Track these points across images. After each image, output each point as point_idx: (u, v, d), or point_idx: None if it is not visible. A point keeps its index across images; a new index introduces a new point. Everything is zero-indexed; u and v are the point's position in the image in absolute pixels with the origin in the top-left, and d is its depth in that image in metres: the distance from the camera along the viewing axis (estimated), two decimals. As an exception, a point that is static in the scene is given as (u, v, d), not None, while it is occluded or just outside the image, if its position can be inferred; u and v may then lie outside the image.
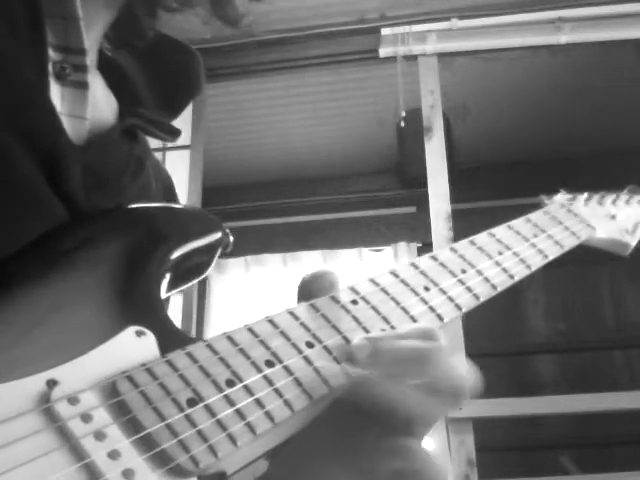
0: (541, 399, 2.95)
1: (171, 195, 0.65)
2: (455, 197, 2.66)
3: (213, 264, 0.54)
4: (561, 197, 0.79)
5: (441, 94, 2.82)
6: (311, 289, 0.50)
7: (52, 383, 0.37)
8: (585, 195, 0.81)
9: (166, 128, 0.57)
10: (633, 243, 0.82)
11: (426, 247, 3.40)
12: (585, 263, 3.61)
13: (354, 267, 3.64)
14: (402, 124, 3.13)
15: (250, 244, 3.74)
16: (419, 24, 2.89)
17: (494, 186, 3.75)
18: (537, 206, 0.74)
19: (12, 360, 0.37)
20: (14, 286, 0.41)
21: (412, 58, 2.90)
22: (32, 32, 0.45)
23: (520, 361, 3.61)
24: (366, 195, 3.96)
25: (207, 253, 0.53)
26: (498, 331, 3.58)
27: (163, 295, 0.48)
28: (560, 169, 3.64)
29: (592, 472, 2.87)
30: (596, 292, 3.70)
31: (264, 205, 3.98)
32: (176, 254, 0.49)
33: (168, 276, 0.49)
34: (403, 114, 3.09)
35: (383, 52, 2.91)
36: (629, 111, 3.31)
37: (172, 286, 0.51)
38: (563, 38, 2.83)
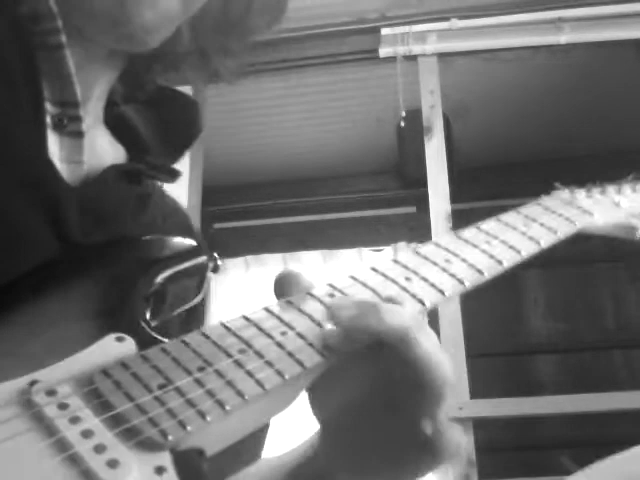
0: (541, 399, 2.94)
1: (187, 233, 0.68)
2: (455, 197, 2.66)
3: (205, 288, 0.57)
4: (559, 192, 0.77)
5: (441, 94, 2.82)
6: (283, 288, 0.51)
7: (34, 382, 0.40)
8: (585, 189, 0.79)
9: (167, 170, 0.63)
10: None
11: (426, 247, 3.39)
12: (585, 263, 3.61)
13: (354, 267, 3.63)
14: (402, 124, 3.13)
15: (250, 244, 3.74)
16: (419, 24, 2.88)
17: (494, 186, 3.75)
18: (537, 206, 0.73)
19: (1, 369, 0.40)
20: (10, 309, 0.45)
21: (412, 58, 2.89)
22: (31, 90, 0.51)
23: (520, 361, 3.60)
24: (366, 195, 3.95)
25: (195, 276, 0.56)
26: (498, 331, 3.58)
27: (156, 319, 0.51)
28: (560, 169, 3.63)
29: (592, 472, 2.87)
30: (596, 292, 3.69)
31: (264, 205, 3.97)
32: (162, 277, 0.52)
33: (158, 299, 0.52)
34: (403, 114, 3.08)
35: (383, 52, 2.91)
36: (629, 111, 3.31)
37: (167, 310, 0.54)
38: (563, 38, 2.82)
